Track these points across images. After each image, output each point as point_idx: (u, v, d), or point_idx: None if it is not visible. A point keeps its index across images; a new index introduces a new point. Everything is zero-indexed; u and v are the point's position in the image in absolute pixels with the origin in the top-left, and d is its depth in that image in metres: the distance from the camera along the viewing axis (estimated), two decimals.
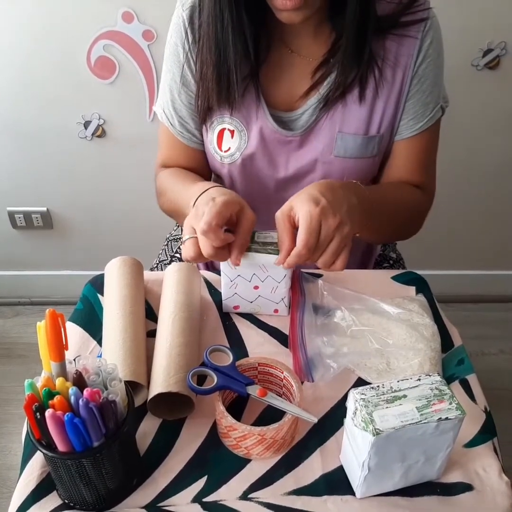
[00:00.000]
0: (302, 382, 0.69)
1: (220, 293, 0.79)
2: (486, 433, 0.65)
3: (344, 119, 0.84)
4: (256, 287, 0.75)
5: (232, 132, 0.86)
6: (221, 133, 0.87)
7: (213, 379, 0.64)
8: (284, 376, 0.67)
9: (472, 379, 0.71)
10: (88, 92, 1.45)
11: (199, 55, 0.83)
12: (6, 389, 1.61)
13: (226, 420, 0.61)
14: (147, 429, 0.66)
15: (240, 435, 0.61)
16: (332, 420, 0.66)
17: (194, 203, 0.72)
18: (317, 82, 0.83)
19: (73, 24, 1.35)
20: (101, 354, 0.72)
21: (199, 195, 0.73)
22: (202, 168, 0.95)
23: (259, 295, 0.76)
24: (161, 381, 0.65)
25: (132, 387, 0.62)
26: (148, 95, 1.46)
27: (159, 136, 0.96)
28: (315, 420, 0.62)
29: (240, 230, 0.69)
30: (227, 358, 0.66)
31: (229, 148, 0.88)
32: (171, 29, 0.86)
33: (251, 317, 0.80)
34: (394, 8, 0.81)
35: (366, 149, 0.86)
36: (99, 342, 0.76)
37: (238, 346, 0.75)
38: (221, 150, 0.88)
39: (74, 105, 1.48)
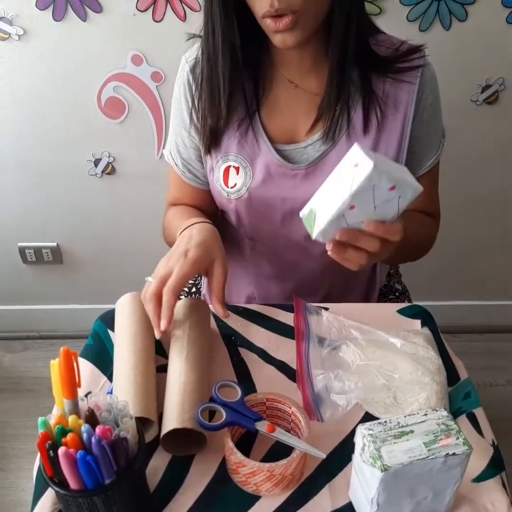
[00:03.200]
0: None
1: (228, 327, 0.81)
2: (494, 467, 0.65)
3: None
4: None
5: (237, 168, 0.89)
6: (226, 171, 0.90)
7: (222, 414, 0.65)
8: (292, 412, 0.67)
9: (479, 412, 0.72)
10: (99, 131, 1.50)
11: (200, 91, 0.86)
12: (14, 424, 1.61)
13: (235, 457, 0.62)
14: (157, 465, 0.66)
15: (249, 471, 0.62)
16: (341, 456, 0.66)
17: (179, 234, 0.83)
18: (320, 116, 0.85)
19: (84, 67, 1.40)
20: (111, 390, 0.73)
21: (182, 231, 0.83)
22: (207, 206, 0.98)
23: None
24: (175, 417, 0.65)
25: (142, 423, 0.63)
26: (156, 134, 1.50)
27: (169, 177, 1.01)
28: (324, 456, 0.62)
29: (213, 283, 0.79)
30: (235, 394, 0.67)
31: (235, 184, 0.90)
32: (176, 82, 0.91)
33: (259, 352, 0.81)
34: (392, 53, 0.84)
35: None
36: (110, 378, 0.77)
37: (246, 381, 0.76)
38: (228, 187, 0.91)
39: (84, 143, 1.52)
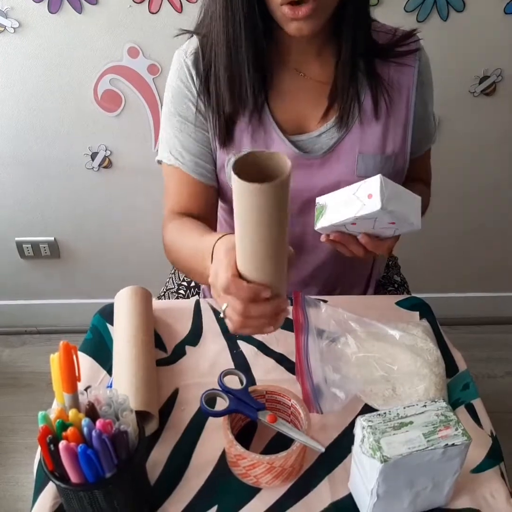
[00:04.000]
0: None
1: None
2: (493, 458, 0.66)
3: (362, 139, 0.87)
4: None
5: None
6: None
7: (225, 402, 0.65)
8: (292, 404, 0.67)
9: (477, 403, 0.72)
10: (95, 124, 1.49)
11: (212, 80, 0.84)
12: (13, 419, 1.61)
13: (235, 449, 0.62)
14: (157, 458, 0.67)
15: (249, 463, 0.62)
16: (340, 448, 0.67)
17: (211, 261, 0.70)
18: (331, 104, 0.86)
19: (80, 60, 1.39)
20: (111, 384, 0.73)
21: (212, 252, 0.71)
22: (212, 208, 0.95)
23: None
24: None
25: (142, 416, 0.63)
26: (153, 126, 1.49)
27: (165, 184, 0.95)
28: (322, 449, 0.63)
29: None
30: (237, 384, 0.67)
31: None
32: (172, 76, 0.89)
33: (258, 344, 0.81)
34: (390, 38, 0.86)
35: (383, 168, 0.89)
36: (109, 372, 0.77)
37: (245, 374, 0.76)
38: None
39: (81, 137, 1.51)
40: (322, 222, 0.74)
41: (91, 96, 1.44)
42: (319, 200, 0.76)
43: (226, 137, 0.87)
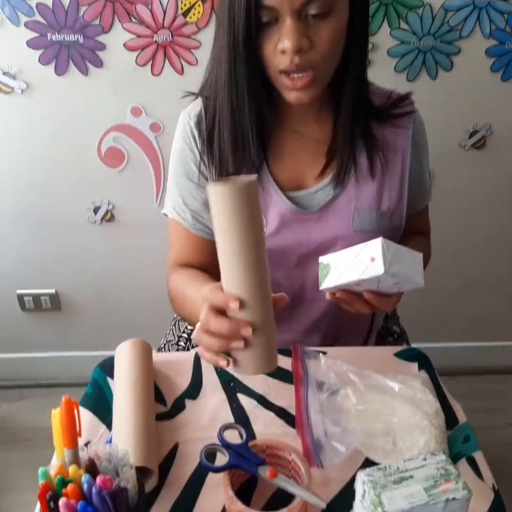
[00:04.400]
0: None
1: (227, 372, 0.81)
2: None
3: (357, 196, 0.90)
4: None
5: None
6: None
7: (225, 457, 0.65)
8: (292, 459, 0.67)
9: (478, 456, 0.72)
10: (98, 180, 1.53)
11: (216, 141, 0.87)
12: (11, 475, 1.58)
13: (235, 505, 0.61)
14: None
15: None
16: (342, 503, 0.66)
17: None
18: (328, 162, 0.89)
19: (85, 119, 1.45)
20: (110, 439, 0.73)
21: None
22: (215, 260, 0.98)
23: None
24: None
25: (141, 472, 0.63)
26: (155, 182, 1.54)
27: (170, 236, 0.99)
28: (324, 505, 0.62)
29: None
30: (237, 438, 0.67)
31: None
32: (177, 137, 0.93)
33: (258, 397, 0.81)
34: (386, 101, 0.90)
35: (380, 224, 0.91)
36: (109, 426, 0.77)
37: (245, 428, 0.76)
38: None
39: (84, 191, 1.55)
40: (327, 283, 0.76)
41: (95, 152, 1.49)
42: (323, 259, 0.78)
43: None
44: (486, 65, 1.41)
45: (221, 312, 0.63)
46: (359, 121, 0.86)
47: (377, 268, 0.69)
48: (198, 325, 0.65)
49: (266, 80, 0.81)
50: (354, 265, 0.72)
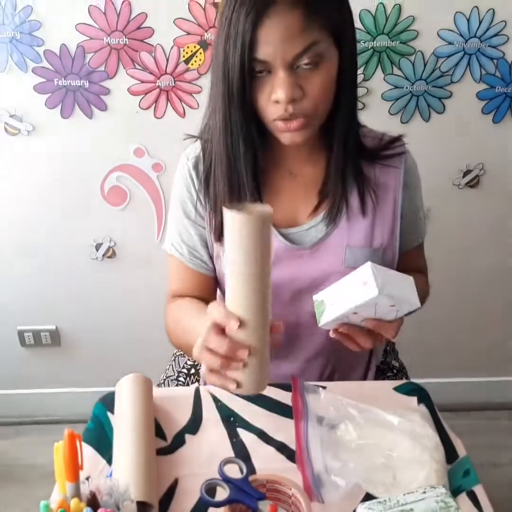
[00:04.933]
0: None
1: (228, 407, 0.82)
2: None
3: (349, 233, 0.92)
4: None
5: None
6: None
7: (225, 492, 0.65)
8: (292, 493, 0.67)
9: (479, 490, 0.72)
10: (101, 217, 1.56)
11: (212, 182, 0.90)
12: None
13: None
14: None
15: None
16: None
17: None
18: (321, 201, 0.92)
19: (89, 159, 1.49)
20: (110, 474, 0.73)
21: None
22: (210, 294, 1.01)
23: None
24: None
25: (141, 506, 0.63)
26: (156, 219, 1.57)
27: (169, 271, 1.02)
28: None
29: None
30: (238, 473, 0.68)
31: None
32: (177, 177, 0.97)
33: (258, 432, 0.81)
34: (377, 143, 0.93)
35: (372, 260, 0.92)
36: (109, 461, 0.76)
37: (245, 463, 0.76)
38: None
39: (86, 228, 1.58)
40: (325, 318, 0.76)
41: (98, 191, 1.52)
42: (316, 297, 0.79)
43: (222, 233, 0.92)
44: (477, 108, 1.46)
45: (222, 330, 0.66)
46: (351, 161, 0.89)
47: (371, 291, 0.70)
48: (199, 340, 0.68)
49: (260, 123, 0.84)
50: (348, 294, 0.73)
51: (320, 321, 0.77)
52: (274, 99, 0.77)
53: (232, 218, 0.62)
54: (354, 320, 0.77)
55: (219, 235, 0.93)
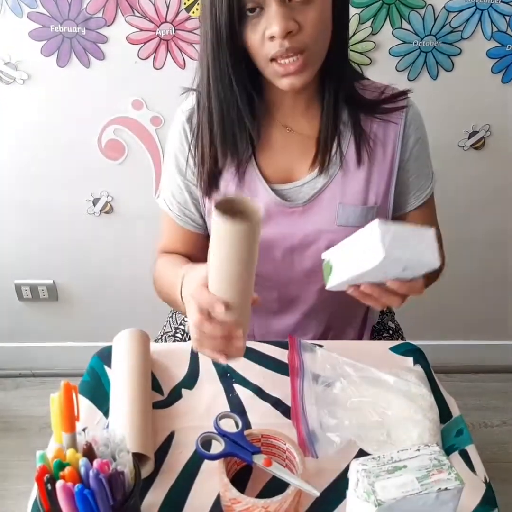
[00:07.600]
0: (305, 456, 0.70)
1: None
2: (487, 504, 0.66)
3: (343, 190, 0.90)
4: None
5: None
6: None
7: (221, 445, 0.66)
8: (287, 448, 0.68)
9: (471, 450, 0.73)
10: (98, 172, 1.53)
11: (205, 134, 0.88)
12: (4, 464, 1.58)
13: (230, 493, 0.62)
14: (152, 501, 0.67)
15: (244, 507, 0.62)
16: (335, 492, 0.67)
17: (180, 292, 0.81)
18: (316, 156, 0.90)
19: (86, 111, 1.45)
20: (107, 426, 0.74)
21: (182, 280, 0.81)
22: (198, 251, 0.99)
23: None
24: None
25: (138, 459, 0.64)
26: (154, 174, 1.54)
27: (162, 226, 1.02)
28: (317, 493, 0.63)
29: None
30: (233, 427, 0.68)
31: None
32: (171, 130, 0.95)
33: (254, 388, 0.82)
34: (377, 96, 0.90)
35: (365, 218, 0.91)
36: (105, 414, 0.77)
37: (241, 417, 0.76)
38: None
39: (84, 183, 1.55)
40: (332, 281, 0.71)
41: (95, 145, 1.49)
42: (325, 255, 0.74)
43: (213, 188, 0.91)
44: (486, 67, 1.42)
45: (209, 313, 0.67)
46: (345, 111, 0.87)
47: (375, 256, 0.62)
48: (191, 324, 0.69)
49: (254, 74, 0.81)
50: (354, 257, 0.67)
51: (328, 284, 0.72)
52: (269, 35, 0.75)
53: (221, 224, 0.61)
54: (364, 281, 0.69)
55: (211, 191, 0.92)
